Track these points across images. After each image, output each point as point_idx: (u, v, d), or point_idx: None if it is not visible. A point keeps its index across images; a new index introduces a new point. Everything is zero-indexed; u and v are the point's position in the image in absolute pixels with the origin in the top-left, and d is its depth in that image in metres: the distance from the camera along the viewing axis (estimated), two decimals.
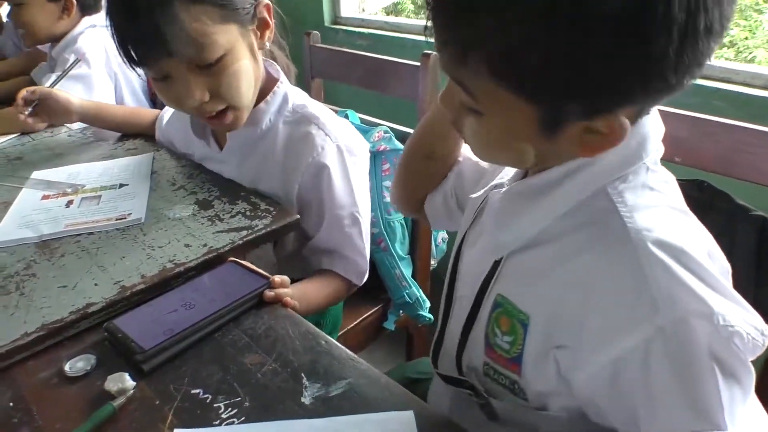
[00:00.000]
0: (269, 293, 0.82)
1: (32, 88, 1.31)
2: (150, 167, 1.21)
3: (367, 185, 1.16)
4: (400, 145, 1.37)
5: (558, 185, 0.60)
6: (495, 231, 0.67)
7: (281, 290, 0.84)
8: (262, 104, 1.06)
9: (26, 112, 1.30)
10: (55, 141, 1.44)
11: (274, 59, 1.13)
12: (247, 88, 0.99)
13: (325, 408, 0.67)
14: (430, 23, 0.55)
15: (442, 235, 1.64)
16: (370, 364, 0.73)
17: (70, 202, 1.08)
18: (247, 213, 1.00)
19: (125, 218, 1.00)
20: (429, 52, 1.34)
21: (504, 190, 0.69)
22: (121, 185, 1.14)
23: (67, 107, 1.35)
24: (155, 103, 1.87)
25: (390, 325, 1.54)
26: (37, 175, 1.21)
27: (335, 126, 1.07)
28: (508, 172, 0.73)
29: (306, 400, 0.67)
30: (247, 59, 0.97)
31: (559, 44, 0.47)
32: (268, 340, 0.76)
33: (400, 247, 1.48)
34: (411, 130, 1.38)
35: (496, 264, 0.66)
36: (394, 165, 1.39)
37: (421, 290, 1.49)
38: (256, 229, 0.95)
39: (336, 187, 1.05)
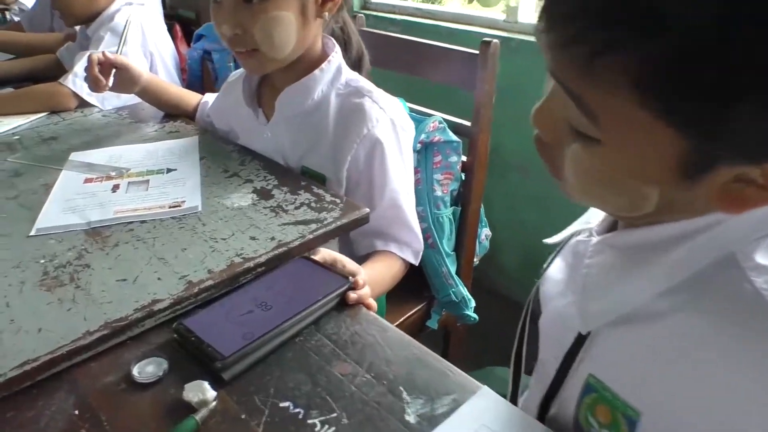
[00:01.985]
0: (353, 295, 0.74)
1: (108, 54, 1.22)
2: (197, 151, 1.12)
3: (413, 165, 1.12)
4: (454, 137, 1.29)
5: (675, 245, 0.47)
6: (583, 299, 0.56)
7: (363, 291, 0.76)
8: (316, 72, 1.03)
9: (109, 82, 1.22)
10: (90, 121, 1.35)
11: (349, 45, 1.10)
12: (281, 39, 0.96)
13: (431, 427, 0.59)
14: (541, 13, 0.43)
15: (485, 232, 1.56)
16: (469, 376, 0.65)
17: (116, 187, 1.00)
18: (312, 204, 0.92)
19: (180, 206, 0.92)
20: (488, 39, 1.25)
21: (595, 241, 0.57)
22: (169, 170, 1.05)
23: (137, 79, 1.27)
24: (187, 84, 1.79)
25: (433, 324, 1.47)
26: (76, 156, 1.13)
27: (388, 101, 1.04)
28: (592, 214, 0.63)
29: (410, 418, 0.59)
30: (293, 14, 0.96)
31: (753, 55, 0.35)
32: (356, 347, 0.68)
33: (447, 244, 1.40)
34: (465, 122, 1.32)
35: (583, 335, 0.56)
36: (446, 157, 1.31)
37: (465, 289, 1.41)
38: (325, 222, 0.87)
39: (390, 164, 1.01)
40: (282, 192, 0.96)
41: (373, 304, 0.77)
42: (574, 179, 0.49)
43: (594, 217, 0.64)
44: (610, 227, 0.60)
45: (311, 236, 0.84)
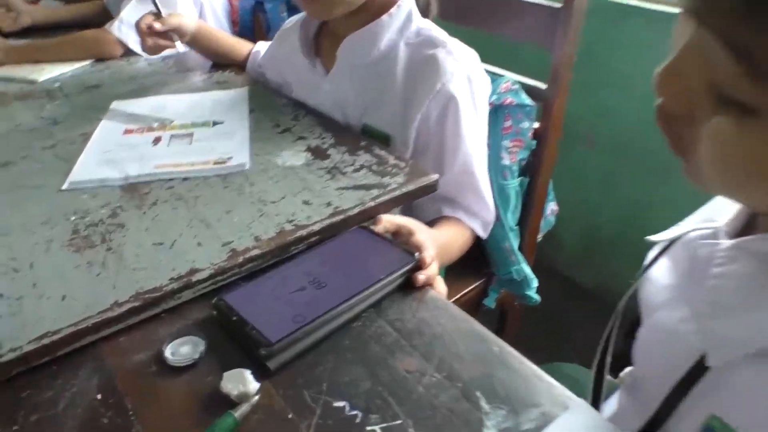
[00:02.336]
0: (421, 277, 0.63)
1: (155, 24, 1.13)
2: (247, 104, 1.02)
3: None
4: (527, 100, 1.15)
5: None
6: (710, 319, 0.44)
7: (431, 271, 0.65)
8: (384, 17, 0.91)
9: (177, 45, 1.17)
10: (135, 69, 1.26)
11: None
12: None
13: None
14: None
15: (551, 207, 1.43)
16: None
17: (157, 139, 0.90)
18: (374, 167, 0.80)
19: (225, 162, 0.82)
20: None
21: (728, 245, 0.46)
22: (215, 123, 0.95)
23: (187, 31, 1.19)
24: (238, 36, 1.68)
25: (491, 302, 1.36)
26: (117, 105, 1.04)
27: (464, 52, 0.91)
28: (714, 210, 0.51)
29: None
30: None
31: None
32: (423, 338, 0.58)
33: (511, 217, 1.27)
34: (540, 84, 1.18)
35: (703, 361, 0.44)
36: (517, 122, 1.18)
37: (528, 267, 1.29)
38: (389, 188, 0.75)
39: (464, 124, 0.89)
40: (339, 152, 0.85)
41: (443, 287, 0.67)
42: (712, 162, 0.38)
43: (718, 212, 0.51)
44: (745, 228, 0.47)
45: (372, 203, 0.73)
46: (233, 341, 0.57)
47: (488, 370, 0.54)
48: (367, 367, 0.54)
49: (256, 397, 0.51)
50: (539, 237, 1.41)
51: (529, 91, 1.16)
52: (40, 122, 1.00)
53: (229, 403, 0.50)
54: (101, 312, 0.57)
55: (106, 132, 0.94)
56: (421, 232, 0.71)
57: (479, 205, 0.96)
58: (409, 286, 0.64)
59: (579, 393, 0.53)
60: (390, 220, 0.71)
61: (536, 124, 1.18)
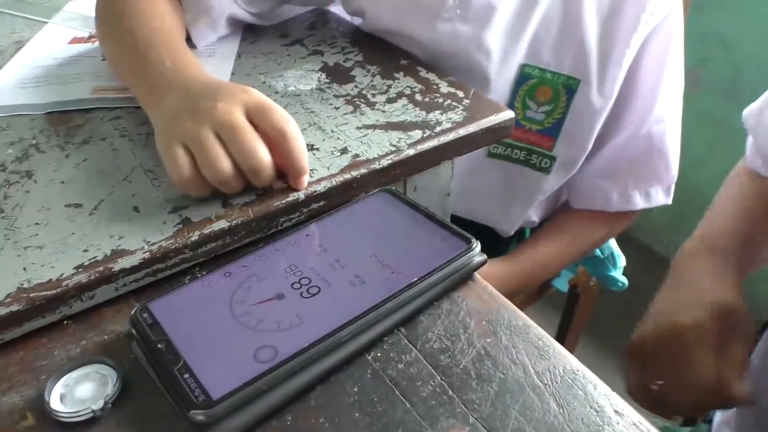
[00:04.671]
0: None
1: None
2: None
3: None
4: None
5: None
6: None
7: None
8: None
9: None
10: None
11: None
12: None
13: None
14: None
15: None
16: None
17: None
18: (417, 97, 0.57)
19: None
20: None
21: None
22: None
23: None
24: None
25: (562, 284, 1.12)
26: (73, 6, 0.81)
27: None
28: None
29: None
30: None
31: None
32: (487, 388, 0.35)
33: None
34: None
35: None
36: None
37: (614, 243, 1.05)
38: (438, 129, 0.52)
39: (676, 62, 0.74)
40: (368, 73, 0.61)
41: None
42: None
43: None
44: None
45: (411, 151, 0.50)
46: (156, 383, 0.36)
47: None
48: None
49: None
50: None
51: None
52: None
53: None
54: None
55: (45, 40, 0.72)
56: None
57: (663, 166, 0.79)
58: (455, 287, 0.41)
59: None
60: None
61: None
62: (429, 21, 0.66)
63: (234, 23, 0.69)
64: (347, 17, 0.76)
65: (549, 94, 0.71)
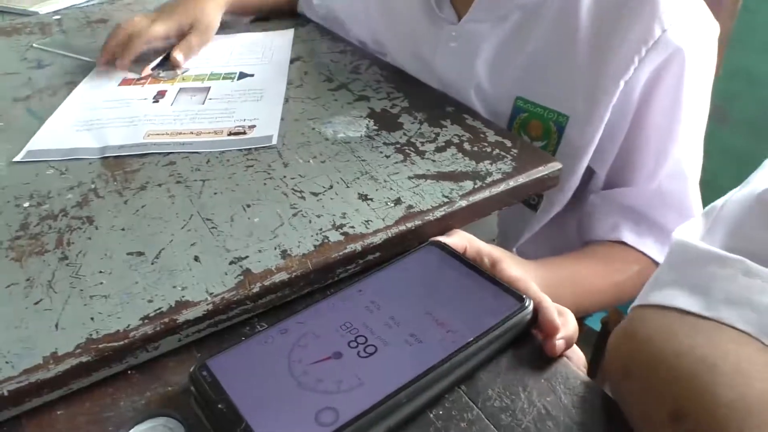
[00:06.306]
0: (558, 342, 0.41)
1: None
2: (289, 51, 0.80)
3: None
4: None
5: None
6: None
7: (568, 331, 0.42)
8: None
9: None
10: (153, 2, 1.06)
11: None
12: None
13: None
14: None
15: None
16: None
17: (160, 94, 0.70)
18: (466, 146, 0.58)
19: (245, 132, 0.61)
20: None
21: None
22: (242, 75, 0.74)
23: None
24: None
25: (594, 322, 1.11)
26: None
27: None
28: None
29: None
30: None
31: None
32: None
33: None
34: None
35: None
36: None
37: None
38: (489, 179, 0.53)
39: (690, 99, 0.64)
40: (414, 120, 0.63)
41: (580, 355, 0.44)
42: None
43: None
44: None
45: (464, 203, 0.51)
46: None
47: None
48: None
49: None
50: None
51: None
52: (21, 64, 0.81)
53: None
54: (28, 371, 0.38)
55: (96, 82, 0.74)
56: (510, 264, 0.48)
57: (678, 222, 0.66)
58: (510, 344, 0.42)
59: None
60: (464, 240, 0.49)
61: None
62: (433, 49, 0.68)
63: None
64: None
65: (540, 129, 0.69)
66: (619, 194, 0.69)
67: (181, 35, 0.81)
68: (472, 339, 0.40)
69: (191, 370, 0.38)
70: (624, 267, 0.68)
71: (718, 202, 0.42)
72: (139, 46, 0.77)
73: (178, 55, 0.78)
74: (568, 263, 0.66)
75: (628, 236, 0.68)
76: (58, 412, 0.39)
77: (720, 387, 0.31)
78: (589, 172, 0.70)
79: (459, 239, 0.49)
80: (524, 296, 0.43)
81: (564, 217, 0.73)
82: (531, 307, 0.42)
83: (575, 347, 0.49)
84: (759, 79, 1.48)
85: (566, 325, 0.42)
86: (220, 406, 0.35)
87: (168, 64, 0.79)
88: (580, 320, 1.12)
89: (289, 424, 0.34)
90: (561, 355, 0.42)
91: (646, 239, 0.68)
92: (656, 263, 0.68)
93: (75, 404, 0.40)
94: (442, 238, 0.49)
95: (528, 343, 0.43)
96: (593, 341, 1.24)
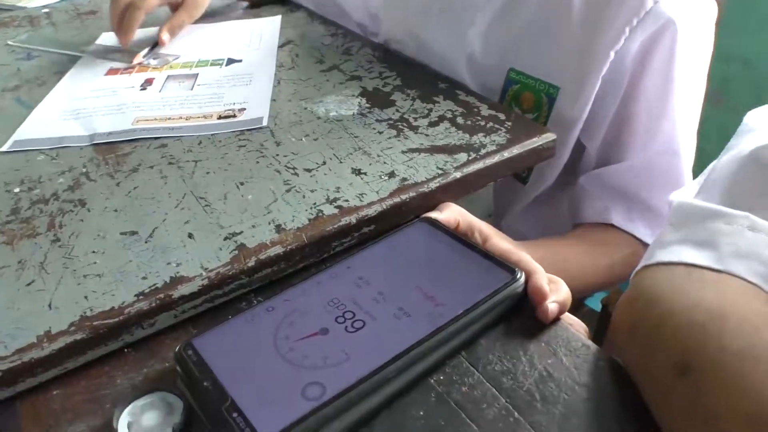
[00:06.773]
0: (551, 306, 0.40)
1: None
2: (277, 36, 0.80)
3: None
4: None
5: None
6: None
7: (563, 297, 0.42)
8: None
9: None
10: None
11: None
12: None
13: None
14: None
15: None
16: None
17: (148, 82, 0.70)
18: (459, 120, 0.57)
19: (235, 116, 0.60)
20: None
21: None
22: (230, 61, 0.74)
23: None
24: None
25: (595, 302, 1.12)
26: (106, 38, 0.83)
27: None
28: None
29: None
30: None
31: None
32: (552, 409, 0.35)
33: None
34: None
35: None
36: None
37: None
38: (483, 151, 0.53)
39: (683, 71, 0.63)
40: (408, 97, 0.62)
41: (582, 324, 0.44)
42: None
43: None
44: None
45: (458, 174, 0.51)
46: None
47: None
48: None
49: None
50: None
51: None
52: (10, 56, 0.81)
53: None
54: (21, 350, 0.37)
55: (82, 73, 0.74)
56: (500, 239, 0.48)
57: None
58: (503, 318, 0.42)
59: None
60: (456, 214, 0.49)
61: None
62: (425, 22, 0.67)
63: None
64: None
65: (532, 101, 0.68)
66: (609, 173, 0.68)
67: (175, 6, 0.83)
68: (461, 312, 0.39)
69: (176, 349, 0.38)
70: (614, 250, 0.67)
71: (706, 170, 0.42)
72: (139, 17, 0.78)
73: (164, 35, 0.79)
74: (558, 245, 0.66)
75: (618, 219, 0.67)
76: (54, 392, 0.39)
77: (728, 336, 0.30)
78: (581, 148, 0.69)
79: (450, 213, 0.49)
80: (515, 268, 0.42)
81: (555, 196, 0.72)
82: (522, 279, 0.42)
83: (576, 318, 0.48)
84: (753, 57, 1.48)
85: (557, 291, 0.42)
86: (205, 384, 0.35)
87: (157, 51, 0.78)
88: (580, 300, 1.12)
89: (275, 399, 0.34)
90: (557, 319, 0.42)
91: (637, 222, 0.68)
92: (646, 245, 0.67)
93: (71, 384, 0.39)
94: (433, 214, 0.48)
95: (526, 312, 0.43)
96: (594, 323, 1.24)
